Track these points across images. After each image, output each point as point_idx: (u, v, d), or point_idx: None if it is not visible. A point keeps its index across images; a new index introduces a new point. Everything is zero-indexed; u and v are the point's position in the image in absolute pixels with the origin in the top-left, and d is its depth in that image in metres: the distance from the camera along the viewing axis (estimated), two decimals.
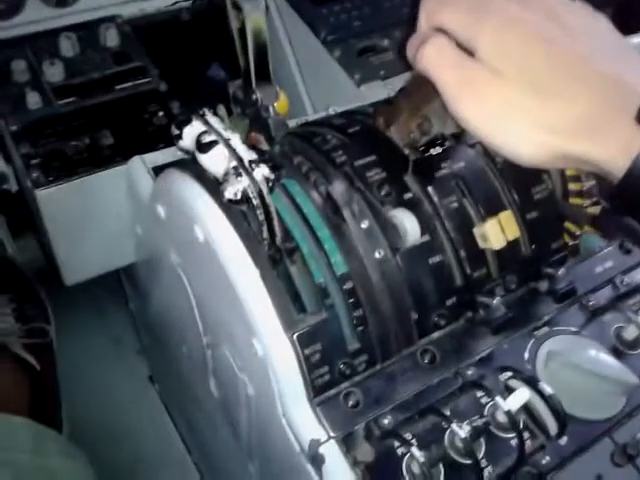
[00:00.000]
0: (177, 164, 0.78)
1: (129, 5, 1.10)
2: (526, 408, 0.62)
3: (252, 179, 0.59)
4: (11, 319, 1.26)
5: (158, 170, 0.89)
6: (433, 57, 0.49)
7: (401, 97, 0.66)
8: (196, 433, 1.25)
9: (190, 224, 0.69)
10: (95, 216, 0.96)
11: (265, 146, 0.74)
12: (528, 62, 0.45)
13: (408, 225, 0.62)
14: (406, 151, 0.71)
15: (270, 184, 0.61)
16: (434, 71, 0.49)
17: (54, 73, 0.97)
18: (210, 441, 1.10)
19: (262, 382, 0.65)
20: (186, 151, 0.70)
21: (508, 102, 0.45)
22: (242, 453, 0.86)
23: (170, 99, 0.99)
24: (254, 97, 0.73)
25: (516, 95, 0.45)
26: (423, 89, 0.56)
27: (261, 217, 0.60)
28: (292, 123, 0.87)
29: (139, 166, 0.88)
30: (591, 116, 0.43)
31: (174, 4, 1.14)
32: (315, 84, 1.18)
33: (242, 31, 0.70)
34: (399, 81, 1.06)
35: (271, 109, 0.73)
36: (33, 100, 0.93)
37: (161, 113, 0.96)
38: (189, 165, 0.73)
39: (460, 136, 0.71)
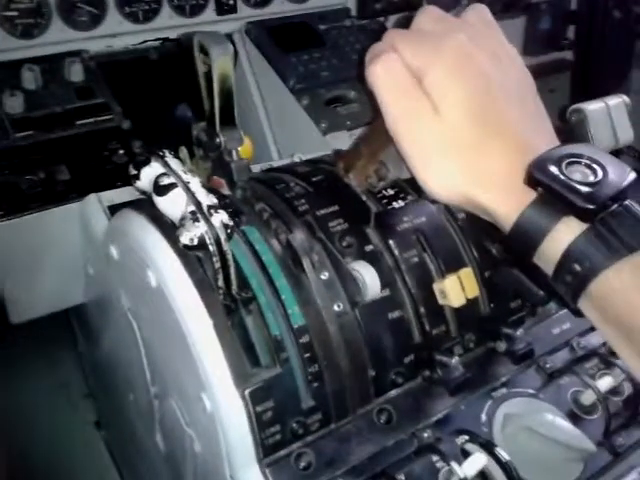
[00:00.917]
0: (134, 204, 0.75)
1: (96, 41, 1.09)
2: (482, 474, 0.60)
3: (210, 225, 0.57)
4: None
5: (114, 209, 0.86)
6: (382, 75, 0.50)
7: (360, 143, 0.67)
8: None
9: (143, 268, 0.66)
10: (46, 253, 0.92)
11: (226, 191, 0.73)
12: (465, 112, 0.48)
13: (368, 279, 0.61)
14: (365, 199, 0.71)
15: (228, 231, 0.59)
16: (379, 89, 0.50)
17: (14, 105, 0.94)
18: None
19: (210, 439, 0.62)
20: (143, 192, 0.68)
21: (437, 143, 0.48)
22: None
23: (132, 138, 0.97)
24: (217, 141, 0.71)
25: (446, 139, 0.48)
26: (381, 135, 0.58)
27: (217, 265, 0.58)
28: (257, 168, 0.86)
29: (94, 204, 0.86)
30: (500, 172, 0.47)
31: (142, 43, 1.13)
32: (282, 131, 1.18)
33: (208, 74, 0.69)
34: None
35: (234, 153, 0.72)
36: None
37: (122, 151, 0.94)
38: (145, 206, 0.71)
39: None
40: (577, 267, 0.43)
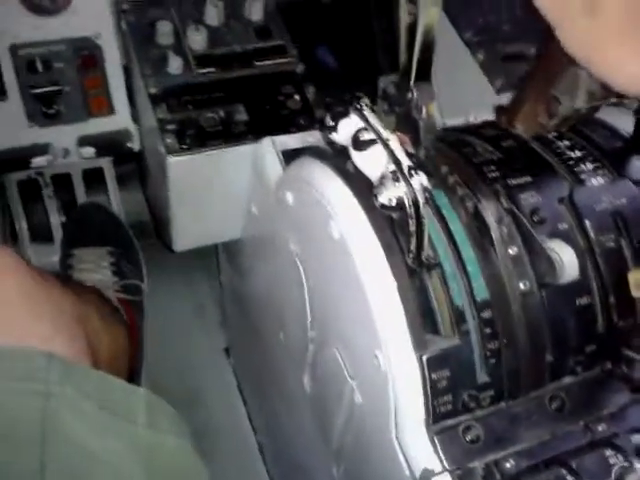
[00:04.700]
0: (313, 152, 0.75)
1: None
2: None
3: (410, 187, 0.56)
4: (108, 272, 1.28)
5: (286, 154, 0.87)
6: None
7: (524, 86, 0.65)
8: (269, 415, 1.24)
9: (325, 219, 0.66)
10: (216, 189, 0.95)
11: (410, 148, 0.71)
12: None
13: (566, 260, 0.58)
14: (562, 172, 0.68)
15: (427, 194, 0.57)
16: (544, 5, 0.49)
17: (197, 40, 0.96)
18: (287, 429, 1.10)
19: (377, 395, 0.62)
20: (332, 143, 0.67)
21: (603, 33, 0.47)
22: (326, 453, 0.84)
23: (306, 82, 0.97)
24: (409, 96, 0.69)
25: (611, 27, 0.47)
26: (547, 71, 0.58)
27: (412, 228, 0.57)
28: None
29: (269, 148, 0.87)
30: None
31: None
32: (449, 86, 1.12)
33: (412, 25, 0.66)
34: None
35: (424, 111, 0.69)
36: (175, 65, 0.93)
37: (297, 97, 0.94)
38: (330, 157, 0.70)
39: (592, 110, 0.69)
40: None
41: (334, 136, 0.64)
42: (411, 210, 0.56)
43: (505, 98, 1.02)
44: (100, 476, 0.54)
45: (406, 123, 0.71)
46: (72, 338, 0.67)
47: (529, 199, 0.64)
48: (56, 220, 1.37)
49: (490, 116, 0.88)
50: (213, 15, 0.99)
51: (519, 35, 1.09)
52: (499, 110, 0.71)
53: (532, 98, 0.62)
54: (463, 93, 1.10)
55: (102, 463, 0.55)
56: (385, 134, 0.60)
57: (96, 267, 1.27)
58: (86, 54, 1.03)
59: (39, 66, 1.01)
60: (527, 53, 1.08)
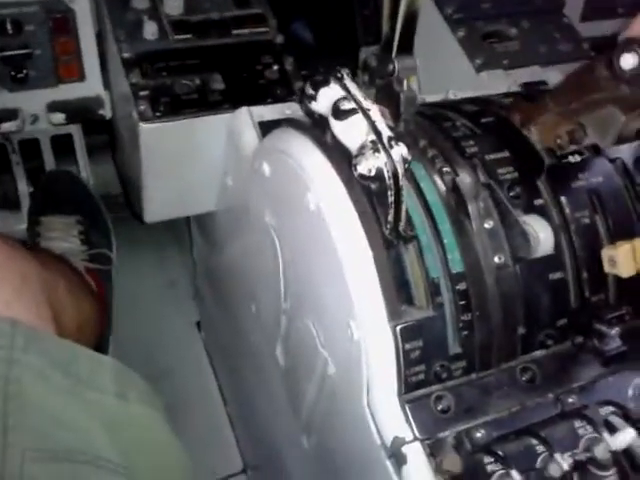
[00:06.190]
0: (291, 123, 0.74)
1: None
2: (625, 449, 0.58)
3: (390, 157, 0.56)
4: (77, 241, 1.26)
5: (263, 125, 0.86)
6: None
7: (553, 97, 0.63)
8: (240, 388, 1.24)
9: (302, 190, 0.66)
10: (189, 159, 0.94)
11: (390, 121, 0.70)
12: None
13: (542, 235, 0.58)
14: (539, 148, 0.67)
15: (406, 165, 0.57)
16: None
17: (174, 6, 0.93)
18: (258, 400, 1.10)
19: (349, 365, 0.62)
20: (312, 113, 0.67)
21: None
22: (297, 424, 0.85)
23: (285, 53, 0.95)
24: (390, 67, 0.68)
25: None
26: (586, 95, 0.53)
27: (391, 198, 0.57)
28: None
29: (246, 118, 0.86)
30: None
31: None
32: (429, 63, 1.12)
33: None
34: (523, 74, 1.00)
35: (405, 83, 0.69)
36: (150, 30, 0.90)
37: (275, 67, 0.92)
38: (308, 127, 0.70)
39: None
40: None
41: (313, 105, 0.63)
42: (390, 181, 0.56)
43: (484, 75, 1.03)
44: (64, 439, 0.54)
45: (386, 95, 0.70)
46: (35, 305, 0.65)
47: (506, 174, 0.64)
48: (24, 187, 1.34)
49: (468, 93, 0.89)
50: None
51: (499, 14, 1.09)
52: (515, 105, 0.70)
53: (558, 115, 0.59)
54: (442, 70, 1.10)
55: (67, 427, 0.54)
56: (366, 104, 0.60)
57: (64, 235, 1.25)
58: (58, 17, 1.00)
59: (9, 27, 0.98)
60: (507, 32, 1.08)
